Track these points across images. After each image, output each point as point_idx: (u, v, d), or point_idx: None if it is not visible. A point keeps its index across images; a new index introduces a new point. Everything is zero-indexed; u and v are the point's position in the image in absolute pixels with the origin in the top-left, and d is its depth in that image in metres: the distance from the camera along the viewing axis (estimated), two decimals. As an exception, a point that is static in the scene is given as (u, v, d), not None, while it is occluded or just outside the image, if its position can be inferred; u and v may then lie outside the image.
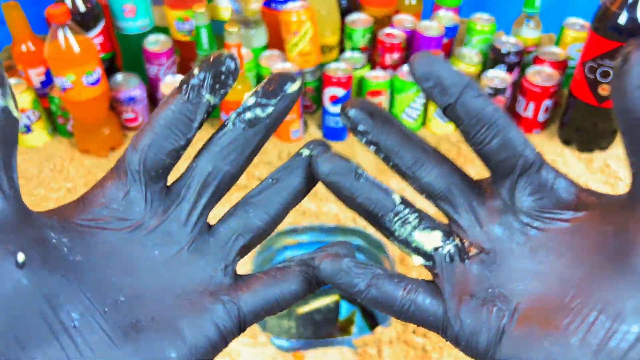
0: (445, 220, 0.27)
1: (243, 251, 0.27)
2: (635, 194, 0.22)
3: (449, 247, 0.26)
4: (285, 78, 0.26)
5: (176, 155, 0.26)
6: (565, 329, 0.22)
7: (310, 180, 0.28)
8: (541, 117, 0.98)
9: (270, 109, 0.26)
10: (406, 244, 0.26)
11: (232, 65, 0.26)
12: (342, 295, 1.01)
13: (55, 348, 0.22)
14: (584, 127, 0.95)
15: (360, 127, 0.26)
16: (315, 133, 1.01)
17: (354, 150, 0.98)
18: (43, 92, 0.96)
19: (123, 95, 0.95)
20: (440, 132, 1.00)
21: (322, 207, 0.87)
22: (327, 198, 0.89)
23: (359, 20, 1.02)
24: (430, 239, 0.26)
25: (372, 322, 0.99)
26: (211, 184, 0.26)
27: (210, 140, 0.27)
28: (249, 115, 0.26)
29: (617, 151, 0.97)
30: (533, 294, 0.24)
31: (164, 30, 1.01)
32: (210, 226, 0.27)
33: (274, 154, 0.97)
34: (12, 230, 0.22)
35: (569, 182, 0.26)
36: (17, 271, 0.21)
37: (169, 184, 0.27)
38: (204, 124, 0.27)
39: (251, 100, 0.26)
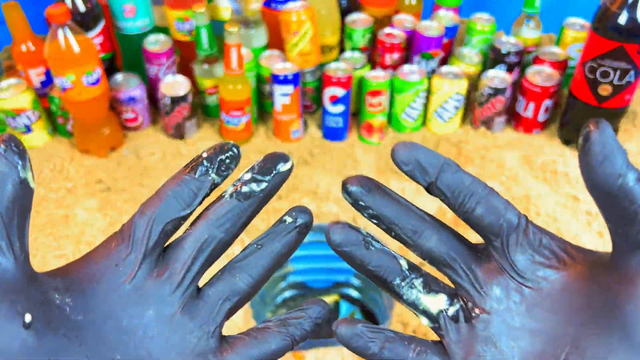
0: (449, 284, 0.29)
1: (229, 314, 0.29)
2: (615, 256, 0.25)
3: (453, 310, 0.28)
4: (278, 158, 0.29)
5: (178, 224, 0.28)
6: None
7: (293, 246, 0.30)
8: (541, 117, 0.98)
9: (264, 185, 0.29)
10: (414, 306, 0.29)
11: (236, 153, 0.29)
12: (342, 295, 1.01)
13: None
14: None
15: (361, 203, 0.28)
16: (315, 133, 1.01)
17: (354, 150, 0.98)
18: (43, 92, 0.96)
19: (123, 95, 0.95)
20: (440, 132, 1.00)
21: (322, 207, 0.87)
22: (327, 198, 0.89)
23: (359, 20, 1.02)
24: (435, 302, 0.28)
25: (372, 322, 0.99)
26: (205, 250, 0.28)
27: (207, 209, 0.29)
28: (245, 189, 0.29)
29: (617, 151, 0.97)
30: (532, 352, 0.26)
31: (164, 30, 1.01)
32: (199, 289, 0.29)
33: (274, 154, 0.97)
34: (22, 292, 0.24)
35: (556, 239, 0.28)
36: (24, 331, 0.23)
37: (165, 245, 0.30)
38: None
39: (247, 176, 0.29)
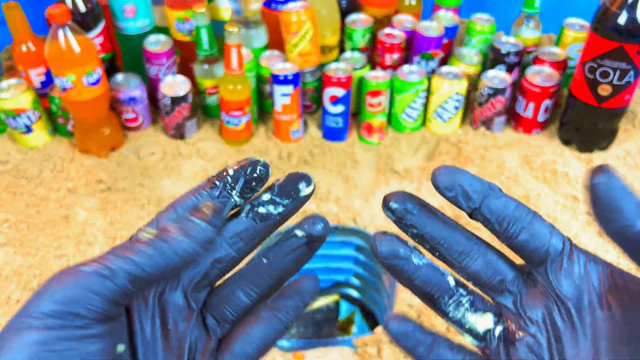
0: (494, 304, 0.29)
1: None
2: None
3: (500, 329, 0.28)
4: (301, 179, 0.28)
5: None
6: None
7: (302, 261, 0.29)
8: (541, 117, 0.98)
9: (281, 209, 0.28)
10: (460, 324, 0.28)
11: (264, 174, 0.27)
12: (342, 295, 1.01)
13: None
14: (583, 127, 0.95)
15: (405, 221, 0.28)
16: (315, 133, 1.01)
17: (354, 149, 0.98)
18: (43, 92, 0.97)
19: (123, 96, 0.95)
20: (440, 132, 1.00)
21: (322, 207, 0.87)
22: (327, 198, 0.89)
23: (359, 20, 1.02)
24: (482, 321, 0.28)
25: (372, 322, 0.99)
26: (215, 267, 0.28)
27: (222, 226, 0.28)
28: (262, 210, 0.28)
29: (617, 151, 0.97)
30: None
31: (164, 30, 1.01)
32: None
33: (274, 154, 0.97)
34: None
35: (600, 264, 0.27)
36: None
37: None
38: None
39: (266, 197, 0.28)
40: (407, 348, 0.28)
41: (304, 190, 0.28)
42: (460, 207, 0.27)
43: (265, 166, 0.28)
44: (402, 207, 0.27)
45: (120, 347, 0.24)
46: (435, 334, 0.28)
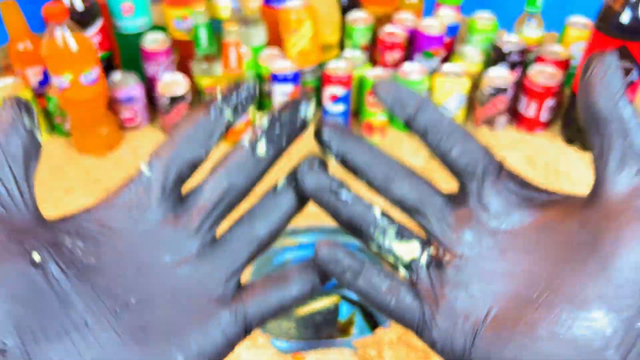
0: (421, 232, 0.29)
1: (249, 260, 0.29)
2: (596, 189, 0.24)
3: (426, 256, 0.28)
4: (299, 101, 0.28)
5: (194, 167, 0.28)
6: (534, 323, 0.23)
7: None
8: (543, 116, 0.97)
9: (284, 137, 0.28)
10: (387, 253, 0.28)
11: (252, 92, 0.28)
12: (343, 297, 1.00)
13: (67, 344, 0.23)
14: (586, 126, 0.94)
15: (332, 147, 0.28)
16: (315, 132, 1.00)
17: (355, 149, 0.97)
18: (40, 92, 0.96)
19: (121, 95, 0.94)
20: (442, 131, 0.99)
21: (322, 208, 0.86)
22: (327, 198, 0.88)
23: (360, 18, 1.02)
24: (408, 249, 0.28)
25: (372, 324, 0.98)
26: (225, 199, 0.28)
27: (226, 157, 0.29)
28: (263, 139, 0.28)
29: (620, 151, 0.96)
30: (505, 294, 0.25)
31: (163, 29, 1.00)
32: (216, 237, 0.29)
33: (273, 154, 0.96)
34: (31, 233, 0.24)
35: (532, 184, 0.27)
36: (33, 270, 0.23)
37: (184, 192, 0.29)
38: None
39: (266, 122, 0.28)
40: (335, 273, 0.27)
41: (305, 109, 0.28)
42: (396, 116, 0.28)
43: (253, 84, 0.28)
44: (329, 134, 0.28)
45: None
46: (365, 260, 0.28)
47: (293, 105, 0.28)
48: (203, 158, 0.28)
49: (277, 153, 0.28)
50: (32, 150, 0.25)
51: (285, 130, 0.28)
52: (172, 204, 0.27)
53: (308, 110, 0.28)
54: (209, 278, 0.27)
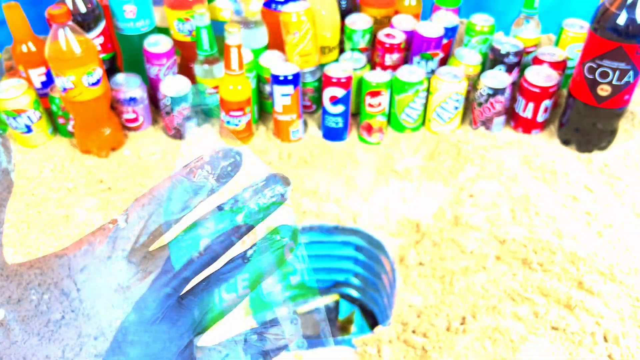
0: None
1: (210, 325, 0.29)
2: None
3: None
4: (279, 181, 0.28)
5: (169, 226, 0.27)
6: None
7: (280, 263, 0.29)
8: (540, 117, 0.98)
9: (264, 207, 0.28)
10: None
11: (238, 160, 0.28)
12: (342, 295, 1.01)
13: None
14: (583, 127, 0.95)
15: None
16: (315, 133, 1.01)
17: (354, 150, 0.98)
18: (44, 93, 0.97)
19: (124, 96, 0.95)
20: (440, 132, 1.00)
21: (322, 207, 0.87)
22: (327, 198, 0.89)
23: (359, 20, 1.03)
24: None
25: (371, 322, 0.99)
26: (197, 261, 0.27)
27: (205, 218, 0.28)
28: (244, 208, 0.28)
29: (616, 151, 0.97)
30: None
31: (165, 30, 1.01)
32: (182, 296, 0.28)
33: (274, 154, 0.97)
34: None
35: None
36: None
37: (156, 247, 0.28)
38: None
39: (247, 194, 0.28)
40: None
41: (283, 189, 0.28)
42: None
43: (239, 154, 0.28)
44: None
45: None
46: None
47: (273, 183, 0.28)
48: (180, 219, 0.27)
49: (253, 224, 0.28)
50: (4, 192, 0.25)
51: (263, 206, 0.28)
52: (141, 260, 0.27)
53: (284, 190, 0.28)
54: (170, 342, 0.27)
